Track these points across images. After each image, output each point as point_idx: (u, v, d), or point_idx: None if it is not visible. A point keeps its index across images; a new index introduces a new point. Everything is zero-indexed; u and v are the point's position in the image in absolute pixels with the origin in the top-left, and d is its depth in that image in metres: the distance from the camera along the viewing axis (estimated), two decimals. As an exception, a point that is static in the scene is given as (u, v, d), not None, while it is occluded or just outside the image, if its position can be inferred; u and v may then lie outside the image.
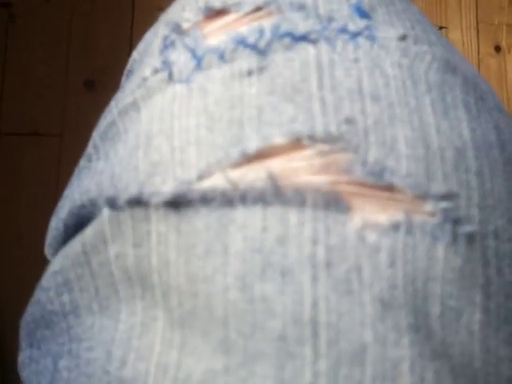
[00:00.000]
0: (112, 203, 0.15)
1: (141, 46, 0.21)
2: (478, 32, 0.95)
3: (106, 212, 0.15)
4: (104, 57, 0.92)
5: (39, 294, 0.17)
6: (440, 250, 0.14)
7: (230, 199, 0.14)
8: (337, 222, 0.14)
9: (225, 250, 0.13)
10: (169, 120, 0.15)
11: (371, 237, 0.13)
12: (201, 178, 0.14)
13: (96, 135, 0.19)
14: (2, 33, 0.92)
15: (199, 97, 0.15)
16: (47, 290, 0.17)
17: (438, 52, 0.17)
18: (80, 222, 0.17)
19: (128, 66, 0.22)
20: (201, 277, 0.13)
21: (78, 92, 0.90)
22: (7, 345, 0.81)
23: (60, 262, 0.17)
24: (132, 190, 0.15)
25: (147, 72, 0.17)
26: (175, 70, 0.16)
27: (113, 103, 0.18)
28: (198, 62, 0.16)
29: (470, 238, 0.14)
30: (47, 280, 0.17)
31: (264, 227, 0.13)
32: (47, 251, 0.20)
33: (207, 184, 0.14)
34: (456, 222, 0.14)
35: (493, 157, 0.15)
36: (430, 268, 0.14)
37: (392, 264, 0.13)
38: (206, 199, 0.14)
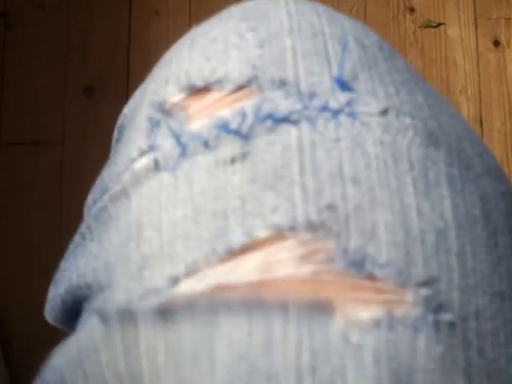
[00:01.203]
0: (101, 315, 0.16)
1: (131, 104, 0.21)
2: (476, 27, 0.95)
3: (97, 324, 0.16)
4: (102, 63, 0.92)
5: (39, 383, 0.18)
6: (421, 341, 0.14)
7: (214, 307, 0.14)
8: (320, 323, 0.14)
9: (211, 356, 0.14)
10: (157, 211, 0.16)
11: (354, 336, 0.14)
12: (188, 274, 0.14)
13: (89, 215, 0.19)
14: (0, 42, 0.92)
15: (185, 186, 0.15)
16: (47, 383, 0.18)
17: (421, 124, 0.16)
18: (76, 299, 0.18)
19: (119, 121, 0.22)
20: (190, 382, 0.14)
21: (77, 99, 0.90)
22: (14, 355, 0.81)
23: (57, 359, 0.17)
24: (120, 298, 0.15)
25: (134, 153, 0.17)
26: (160, 158, 0.16)
27: (105, 176, 0.19)
28: (183, 149, 0.16)
29: (451, 324, 0.14)
30: (47, 372, 0.18)
31: (249, 333, 0.14)
32: (47, 317, 0.21)
33: (193, 287, 0.14)
34: (437, 309, 0.14)
35: (476, 233, 0.15)
36: (413, 360, 0.14)
37: (376, 362, 0.13)
38: (191, 306, 0.14)
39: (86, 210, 0.20)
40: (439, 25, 0.95)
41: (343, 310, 0.14)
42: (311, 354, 0.13)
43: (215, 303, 0.14)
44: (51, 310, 0.20)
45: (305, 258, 0.14)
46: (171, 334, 0.14)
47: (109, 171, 0.19)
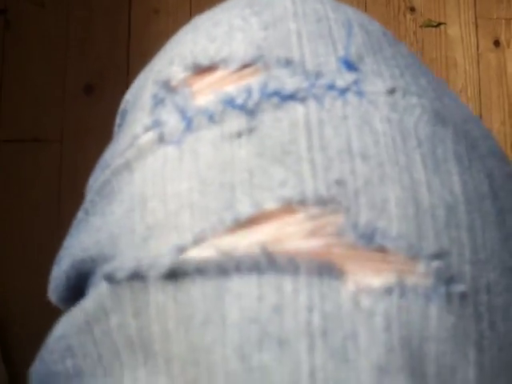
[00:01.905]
0: (110, 278, 0.15)
1: (133, 89, 0.21)
2: (476, 27, 0.95)
3: (105, 286, 0.16)
4: (102, 61, 0.92)
5: (44, 354, 0.18)
6: (433, 311, 0.14)
7: (224, 269, 0.14)
8: (331, 287, 0.14)
9: (222, 320, 0.14)
10: (162, 183, 0.15)
11: (365, 302, 0.14)
12: (196, 243, 0.14)
13: (92, 190, 0.19)
14: (-1, 40, 0.91)
15: (190, 159, 0.15)
16: (51, 353, 0.17)
17: (427, 103, 0.16)
18: (81, 274, 0.18)
19: (122, 106, 0.22)
20: (201, 346, 0.14)
21: (76, 97, 0.90)
22: (13, 353, 0.81)
23: (63, 328, 0.17)
24: (129, 264, 0.15)
25: (138, 129, 0.17)
26: (166, 131, 0.16)
27: (107, 156, 0.19)
28: (188, 123, 0.16)
29: (463, 295, 0.14)
30: (51, 343, 0.17)
31: (260, 296, 0.14)
32: (51, 297, 0.21)
33: (202, 253, 0.14)
34: (448, 281, 0.14)
35: (485, 209, 0.16)
36: (425, 328, 0.14)
37: (387, 328, 0.13)
38: (201, 270, 0.14)
39: (87, 190, 0.20)
40: (440, 24, 0.95)
41: (354, 276, 0.14)
42: (322, 317, 0.13)
43: (225, 265, 0.14)
44: (55, 288, 0.20)
45: (314, 232, 0.14)
46: (181, 298, 0.14)
47: (111, 150, 0.19)
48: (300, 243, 0.14)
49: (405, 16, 0.95)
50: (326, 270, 0.14)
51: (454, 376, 0.14)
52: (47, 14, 0.92)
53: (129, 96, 0.21)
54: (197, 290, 0.14)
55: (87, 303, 0.16)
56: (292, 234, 0.14)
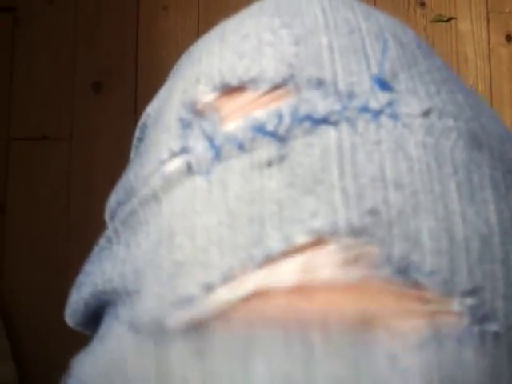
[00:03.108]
0: (134, 327, 0.15)
1: (155, 103, 0.20)
2: (488, 21, 0.94)
3: (126, 332, 0.15)
4: (110, 58, 0.92)
5: None
6: (469, 355, 0.13)
7: (250, 320, 0.14)
8: (364, 342, 0.13)
9: (248, 379, 0.13)
10: (190, 217, 0.15)
11: (401, 358, 0.13)
12: (224, 281, 0.14)
13: (115, 220, 0.18)
14: (8, 37, 0.92)
15: (219, 191, 0.15)
16: None
17: (464, 125, 0.16)
18: (101, 303, 0.18)
19: (142, 120, 0.21)
20: None
21: (85, 94, 0.90)
22: (24, 352, 0.82)
23: (83, 372, 0.17)
24: (150, 307, 0.15)
25: (164, 155, 0.16)
26: (193, 161, 0.16)
27: (131, 178, 0.18)
28: (217, 152, 0.15)
29: (496, 334, 0.14)
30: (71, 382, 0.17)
31: (287, 351, 0.13)
32: (68, 320, 0.20)
33: (229, 295, 0.14)
34: (482, 319, 0.14)
35: None
36: (463, 375, 0.13)
37: (429, 382, 0.13)
38: (225, 319, 0.14)
39: (108, 212, 0.20)
40: (450, 19, 0.94)
41: (388, 326, 0.13)
42: (354, 372, 0.13)
43: (251, 316, 0.14)
44: (73, 313, 0.20)
45: (348, 263, 0.14)
46: (206, 353, 0.14)
47: (135, 172, 0.18)
48: (333, 274, 0.13)
49: (415, 11, 0.94)
50: (359, 321, 0.13)
51: None
52: (56, 11, 0.92)
53: (151, 110, 0.20)
54: (222, 344, 0.14)
55: (108, 345, 0.16)
56: (324, 265, 0.14)
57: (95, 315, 0.19)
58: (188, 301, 0.14)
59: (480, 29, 0.94)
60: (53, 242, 0.85)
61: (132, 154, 0.22)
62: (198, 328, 0.14)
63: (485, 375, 0.14)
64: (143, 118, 0.21)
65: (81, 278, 0.20)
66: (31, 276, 0.84)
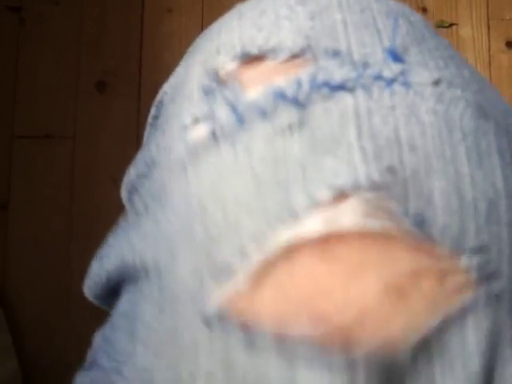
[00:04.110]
0: (168, 302, 0.16)
1: (172, 80, 0.21)
2: (488, 28, 0.95)
3: (160, 310, 0.16)
4: (115, 58, 0.93)
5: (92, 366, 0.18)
6: (475, 311, 0.14)
7: (288, 354, 0.14)
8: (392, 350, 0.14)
9: None
10: (219, 186, 0.16)
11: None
12: (257, 244, 0.15)
13: (142, 191, 0.19)
14: (14, 37, 0.92)
15: (244, 158, 0.15)
16: (101, 369, 0.17)
17: (471, 96, 0.17)
18: (125, 275, 0.18)
19: (158, 97, 0.21)
20: None
21: (89, 94, 0.91)
22: (27, 351, 0.82)
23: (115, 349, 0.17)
24: (190, 287, 0.15)
25: (187, 120, 0.17)
26: (217, 128, 0.16)
27: (152, 149, 0.18)
28: (240, 119, 0.16)
29: (501, 292, 0.15)
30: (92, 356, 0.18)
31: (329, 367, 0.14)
32: (86, 292, 0.20)
33: (264, 255, 0.15)
34: (488, 278, 0.15)
35: None
36: (469, 326, 0.14)
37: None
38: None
39: (127, 187, 0.20)
40: (451, 25, 0.95)
41: (408, 298, 0.14)
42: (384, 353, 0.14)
43: (289, 351, 0.14)
44: (93, 285, 0.20)
45: (369, 215, 0.14)
46: (254, 356, 0.14)
47: (156, 143, 0.18)
48: (356, 222, 0.14)
49: (417, 16, 0.95)
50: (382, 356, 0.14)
51: (492, 375, 0.14)
52: (61, 11, 0.93)
53: (167, 88, 0.21)
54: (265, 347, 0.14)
55: (142, 320, 0.16)
56: (348, 215, 0.14)
57: (114, 289, 0.19)
58: (226, 269, 0.15)
59: (481, 35, 0.95)
60: (56, 240, 0.85)
61: (146, 133, 0.22)
62: (233, 305, 0.14)
63: (485, 332, 0.14)
64: (159, 96, 0.21)
65: (104, 250, 0.20)
66: (34, 273, 0.85)
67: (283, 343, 0.14)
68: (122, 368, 0.16)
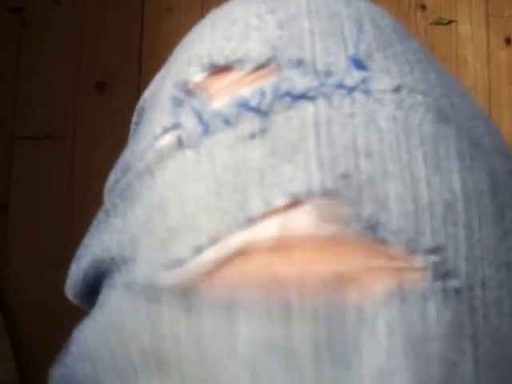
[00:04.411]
0: (128, 288, 0.17)
1: (152, 88, 0.22)
2: (487, 25, 0.95)
3: (123, 293, 0.17)
4: (114, 59, 0.93)
5: (66, 358, 0.19)
6: (432, 309, 0.15)
7: (232, 285, 0.15)
8: (336, 297, 0.14)
9: (232, 339, 0.15)
10: (181, 187, 0.16)
11: (368, 309, 0.14)
12: (211, 243, 0.15)
13: (113, 192, 0.20)
14: (15, 38, 0.93)
15: (207, 162, 0.16)
16: (72, 357, 0.18)
17: (432, 101, 0.17)
18: (99, 273, 0.19)
19: (140, 104, 0.22)
20: (210, 355, 0.15)
21: (89, 94, 0.91)
22: (24, 353, 0.82)
23: (83, 333, 0.18)
24: (144, 271, 0.16)
25: (157, 130, 0.18)
26: (184, 135, 0.17)
27: (128, 156, 0.19)
28: (205, 127, 0.17)
29: (458, 290, 0.15)
30: (72, 346, 0.19)
31: (267, 311, 0.15)
32: (67, 292, 0.22)
33: (216, 254, 0.15)
34: (444, 276, 0.15)
35: (483, 206, 0.16)
36: (426, 328, 0.14)
37: (390, 334, 0.14)
38: (210, 285, 0.15)
39: (107, 191, 0.21)
40: (450, 22, 0.95)
41: (358, 282, 0.15)
42: (327, 328, 0.14)
43: (234, 277, 0.15)
44: (72, 284, 0.21)
45: (322, 221, 0.15)
46: (193, 318, 0.15)
47: (131, 150, 0.19)
48: (309, 229, 0.15)
49: (415, 14, 0.95)
50: (331, 279, 0.15)
51: (454, 371, 0.14)
52: (62, 12, 0.94)
53: (147, 95, 0.22)
54: (207, 310, 0.15)
55: (106, 307, 0.17)
56: (301, 222, 0.15)
57: (93, 288, 0.20)
58: (178, 262, 0.15)
59: (480, 32, 0.94)
60: (55, 241, 0.86)
61: (129, 139, 0.23)
62: (186, 289, 0.15)
63: (446, 328, 0.15)
64: (140, 103, 0.22)
65: (80, 251, 0.21)
66: (33, 275, 0.85)
67: (227, 306, 0.15)
68: (86, 356, 0.18)
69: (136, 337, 0.16)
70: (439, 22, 0.95)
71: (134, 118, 0.23)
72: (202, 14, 0.95)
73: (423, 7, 0.95)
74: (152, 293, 0.16)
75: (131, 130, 0.23)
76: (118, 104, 0.91)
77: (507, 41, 0.94)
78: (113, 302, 0.17)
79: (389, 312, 0.14)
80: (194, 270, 0.15)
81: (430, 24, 0.95)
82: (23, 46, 0.93)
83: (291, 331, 0.14)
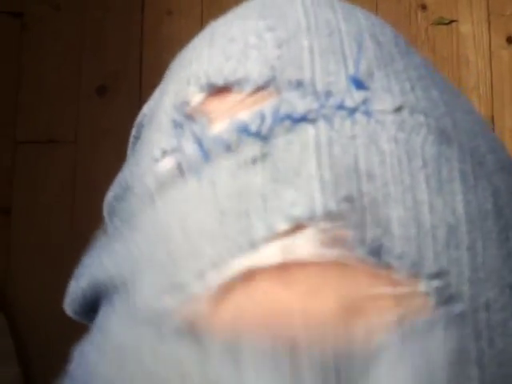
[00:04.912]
0: (129, 311, 0.16)
1: (151, 103, 0.21)
2: (489, 24, 0.94)
3: (125, 321, 0.17)
4: (115, 63, 0.93)
5: (67, 381, 0.19)
6: (437, 338, 0.14)
7: (238, 325, 0.15)
8: (344, 334, 0.14)
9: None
10: (183, 214, 0.16)
11: (375, 343, 0.14)
12: (213, 267, 0.15)
13: (113, 213, 0.20)
14: (16, 42, 0.93)
15: (209, 189, 0.16)
16: (72, 381, 0.18)
17: (434, 121, 0.17)
18: (97, 293, 0.19)
19: (139, 118, 0.22)
20: None
21: (90, 98, 0.91)
22: (28, 356, 0.83)
23: (85, 359, 0.18)
24: (146, 295, 0.16)
25: (157, 153, 0.18)
26: (184, 162, 0.17)
27: (127, 174, 0.19)
28: (206, 153, 0.16)
29: (462, 314, 0.15)
30: (73, 371, 0.18)
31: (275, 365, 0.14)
32: (66, 309, 0.22)
33: (218, 278, 0.15)
34: (448, 300, 0.15)
35: (487, 228, 0.16)
36: (431, 357, 0.14)
37: (396, 368, 0.14)
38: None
39: (106, 207, 0.21)
40: (451, 22, 0.95)
41: (362, 314, 0.14)
42: (336, 373, 0.14)
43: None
44: (71, 302, 0.21)
45: (325, 244, 0.15)
46: (198, 349, 0.15)
47: (130, 169, 0.19)
48: (312, 253, 0.15)
49: (416, 14, 0.95)
50: (338, 318, 0.14)
51: None
52: (62, 16, 0.94)
53: (146, 110, 0.22)
54: (214, 346, 0.15)
55: (107, 332, 0.17)
56: (303, 246, 0.15)
57: (92, 306, 0.20)
58: (181, 286, 0.15)
59: (481, 31, 0.94)
60: (58, 245, 0.86)
61: (129, 152, 0.23)
62: (191, 315, 0.15)
63: (451, 355, 0.14)
64: (140, 117, 0.22)
65: (79, 270, 0.21)
66: (36, 278, 0.85)
67: (233, 347, 0.14)
68: (89, 380, 0.17)
69: (139, 362, 0.16)
70: (440, 22, 0.94)
71: (134, 132, 0.23)
72: (201, 16, 0.95)
73: (424, 7, 0.95)
74: (154, 318, 0.16)
75: (130, 144, 0.23)
76: (119, 107, 0.91)
77: (509, 39, 0.93)
78: (114, 326, 0.17)
79: (395, 344, 0.14)
80: (198, 294, 0.15)
81: (431, 24, 0.95)
82: (24, 50, 0.93)
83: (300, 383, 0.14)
